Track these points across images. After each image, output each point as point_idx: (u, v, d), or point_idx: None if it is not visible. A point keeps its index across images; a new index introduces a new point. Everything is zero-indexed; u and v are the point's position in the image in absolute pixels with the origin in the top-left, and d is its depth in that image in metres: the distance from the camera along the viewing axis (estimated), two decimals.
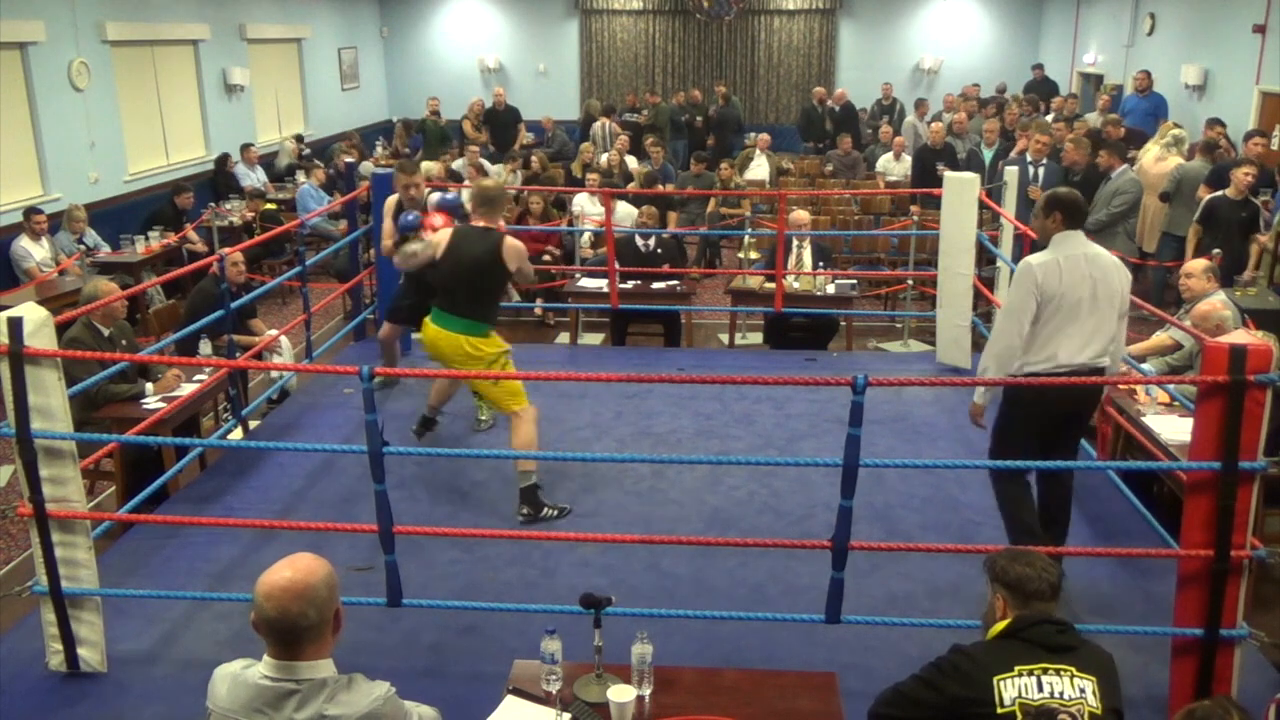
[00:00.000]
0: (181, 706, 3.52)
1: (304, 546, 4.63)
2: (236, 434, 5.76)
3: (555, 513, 4.86)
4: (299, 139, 13.66)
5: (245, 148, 11.97)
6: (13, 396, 3.41)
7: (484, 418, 5.89)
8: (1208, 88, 11.21)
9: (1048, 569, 2.57)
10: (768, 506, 4.98)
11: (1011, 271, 6.79)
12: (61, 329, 4.02)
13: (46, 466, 3.50)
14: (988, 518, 4.81)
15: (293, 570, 2.14)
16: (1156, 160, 9.29)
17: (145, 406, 5.22)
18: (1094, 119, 12.14)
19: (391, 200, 5.99)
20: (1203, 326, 4.95)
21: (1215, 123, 9.79)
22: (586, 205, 9.42)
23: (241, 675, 2.16)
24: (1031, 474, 4.17)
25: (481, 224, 4.86)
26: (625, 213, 9.06)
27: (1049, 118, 12.09)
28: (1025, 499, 4.13)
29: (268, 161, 12.80)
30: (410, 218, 5.38)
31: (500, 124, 14.60)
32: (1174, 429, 4.76)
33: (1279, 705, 2.86)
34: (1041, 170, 8.50)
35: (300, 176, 11.81)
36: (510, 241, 4.79)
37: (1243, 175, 7.66)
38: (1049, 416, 4.01)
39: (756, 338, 8.45)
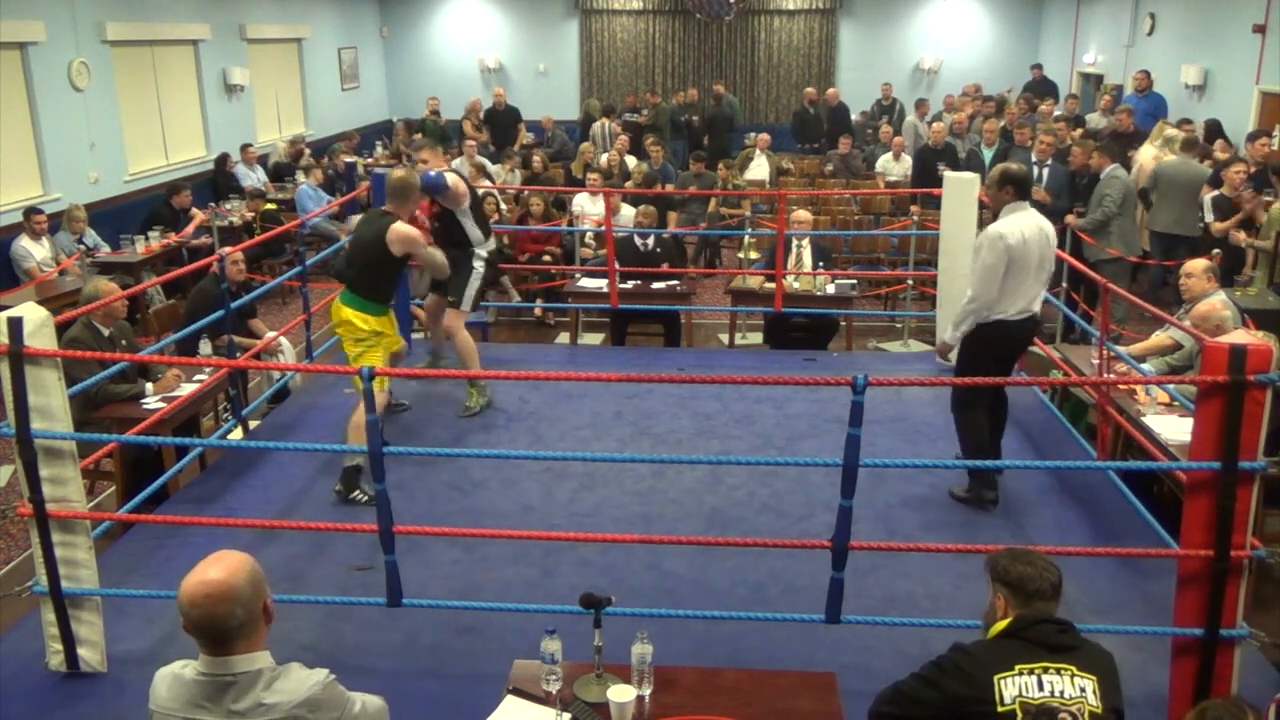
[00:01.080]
0: None
1: (304, 546, 4.66)
2: (236, 434, 5.75)
3: (365, 498, 4.82)
4: (299, 140, 13.66)
5: (245, 148, 11.97)
6: (13, 396, 3.41)
7: (470, 404, 6.04)
8: (1208, 88, 11.22)
9: (1049, 569, 2.58)
10: (768, 506, 4.98)
11: None
12: (61, 329, 4.02)
13: (46, 466, 3.50)
14: (988, 517, 4.83)
15: (214, 571, 2.14)
16: (1152, 159, 9.30)
17: (145, 406, 5.22)
18: (1095, 119, 12.14)
19: None
20: (1203, 327, 4.94)
21: (1185, 122, 9.81)
22: (586, 205, 9.42)
23: (180, 675, 2.18)
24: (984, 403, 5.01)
25: (386, 209, 5.24)
26: (628, 214, 9.06)
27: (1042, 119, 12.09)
28: (983, 425, 4.97)
29: (267, 161, 12.79)
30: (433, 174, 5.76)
31: (500, 124, 14.61)
32: (1174, 429, 4.76)
33: (1279, 705, 2.86)
34: (1046, 171, 8.50)
35: (300, 176, 11.81)
36: (397, 228, 5.05)
37: (1234, 174, 7.75)
38: (1006, 353, 4.94)
39: (756, 338, 8.45)
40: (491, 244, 6.12)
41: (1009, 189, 4.75)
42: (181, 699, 2.15)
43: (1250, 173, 7.90)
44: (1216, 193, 7.88)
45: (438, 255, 5.50)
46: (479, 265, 5.97)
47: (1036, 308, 4.87)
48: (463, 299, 5.95)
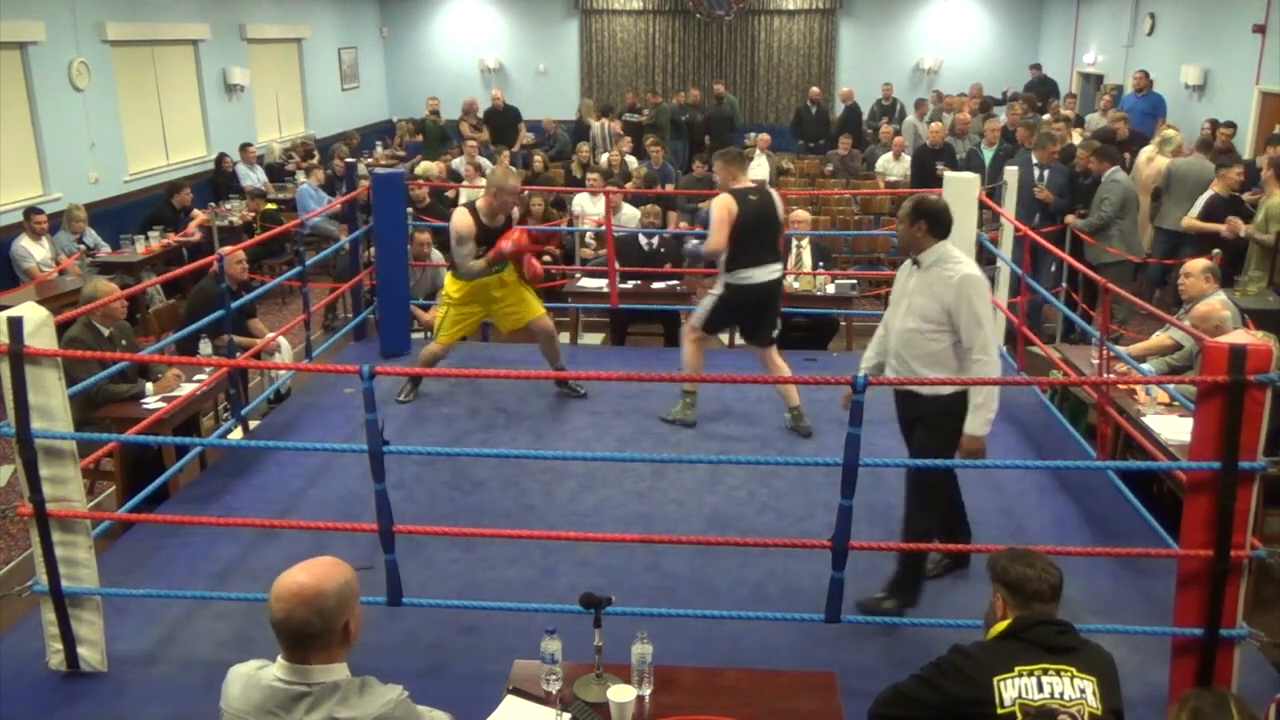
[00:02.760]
0: (181, 706, 3.53)
1: (304, 546, 4.65)
2: (236, 434, 5.75)
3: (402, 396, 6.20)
4: (309, 140, 13.65)
5: (244, 148, 11.96)
6: (13, 396, 3.42)
7: (673, 412, 5.91)
8: (1208, 88, 11.21)
9: (1048, 570, 2.58)
10: (768, 506, 4.98)
11: (1013, 271, 6.83)
12: (61, 329, 4.01)
13: (46, 466, 3.51)
14: (986, 518, 4.82)
15: (306, 575, 2.13)
16: (1148, 161, 9.30)
17: (145, 406, 5.22)
18: (1095, 119, 12.14)
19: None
20: (1202, 327, 4.94)
21: (1220, 124, 9.82)
22: (586, 205, 9.42)
23: (255, 677, 2.17)
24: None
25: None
26: (629, 214, 9.05)
27: (1045, 117, 12.08)
28: (941, 505, 4.19)
29: (263, 161, 12.78)
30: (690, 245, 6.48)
31: (500, 124, 14.59)
32: (1174, 429, 4.76)
33: (1279, 705, 2.86)
34: (1047, 172, 8.49)
35: (301, 176, 11.81)
36: (453, 217, 5.85)
37: (1234, 175, 7.78)
38: None
39: None
40: (750, 278, 5.41)
41: (921, 225, 3.83)
42: (254, 703, 2.14)
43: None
44: (1214, 192, 7.87)
45: (461, 260, 5.80)
46: (713, 294, 5.59)
47: None
48: (695, 313, 5.78)
